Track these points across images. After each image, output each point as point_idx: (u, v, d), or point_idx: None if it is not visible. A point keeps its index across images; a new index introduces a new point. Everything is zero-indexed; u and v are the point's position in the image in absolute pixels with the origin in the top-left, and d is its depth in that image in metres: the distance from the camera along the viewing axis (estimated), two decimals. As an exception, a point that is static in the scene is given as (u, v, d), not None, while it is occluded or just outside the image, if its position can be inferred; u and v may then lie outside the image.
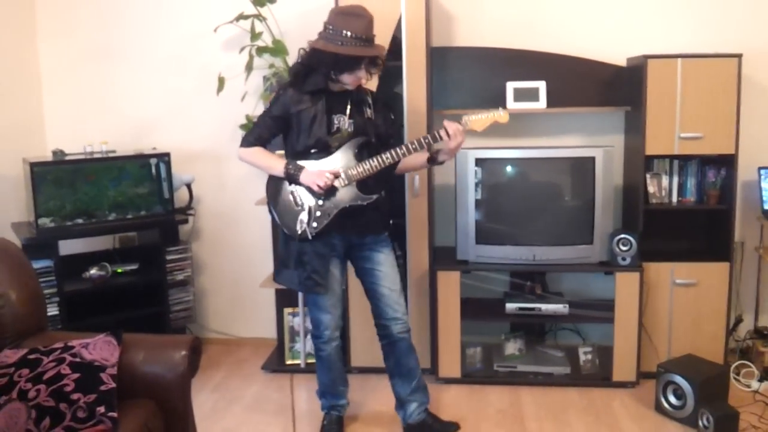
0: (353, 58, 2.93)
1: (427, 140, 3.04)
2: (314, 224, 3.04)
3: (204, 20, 4.33)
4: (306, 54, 3.05)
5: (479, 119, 3.08)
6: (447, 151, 3.11)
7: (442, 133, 3.02)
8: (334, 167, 3.04)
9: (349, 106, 3.10)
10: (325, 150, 3.06)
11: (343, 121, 3.09)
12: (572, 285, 4.25)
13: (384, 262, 3.20)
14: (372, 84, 3.72)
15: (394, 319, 3.23)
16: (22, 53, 4.44)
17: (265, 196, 3.22)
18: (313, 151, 3.06)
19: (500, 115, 3.10)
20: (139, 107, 4.56)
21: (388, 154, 3.02)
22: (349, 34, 2.91)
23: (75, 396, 2.39)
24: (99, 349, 2.57)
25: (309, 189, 3.04)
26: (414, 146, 3.03)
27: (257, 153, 3.14)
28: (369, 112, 3.14)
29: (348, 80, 3.03)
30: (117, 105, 4.57)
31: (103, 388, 2.45)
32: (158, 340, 2.78)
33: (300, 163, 3.05)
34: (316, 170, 3.01)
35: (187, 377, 2.65)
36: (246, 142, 3.16)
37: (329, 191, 3.03)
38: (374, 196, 3.07)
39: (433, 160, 3.19)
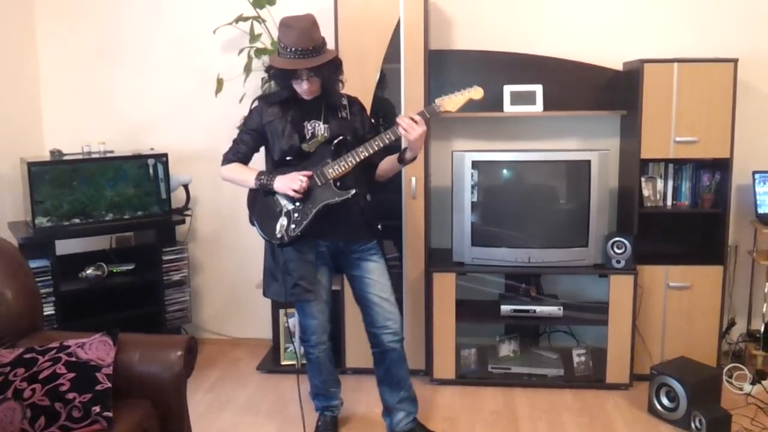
0: (287, 70, 2.94)
1: (388, 135, 2.99)
2: (293, 226, 3.01)
3: (203, 22, 4.34)
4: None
5: (452, 99, 3.02)
6: (409, 145, 3.04)
7: (399, 128, 2.96)
8: (309, 170, 3.03)
9: (323, 112, 3.10)
10: (301, 157, 3.05)
11: (318, 127, 3.08)
12: (567, 287, 4.27)
13: (374, 270, 3.18)
14: (369, 88, 3.77)
15: (385, 327, 3.20)
16: (21, 53, 4.44)
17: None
18: (288, 158, 3.06)
19: (474, 92, 3.04)
20: (137, 108, 4.57)
21: (362, 148, 2.99)
22: (284, 46, 2.92)
23: (70, 395, 2.40)
24: (95, 348, 2.58)
25: (286, 195, 3.02)
26: (377, 144, 2.98)
27: (234, 169, 3.16)
28: (344, 113, 3.13)
29: (299, 89, 3.03)
30: (115, 105, 4.58)
31: (98, 387, 2.46)
32: (154, 340, 2.79)
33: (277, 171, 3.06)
34: (289, 175, 2.99)
35: (183, 377, 2.66)
36: (225, 160, 3.18)
37: (307, 193, 3.00)
38: (352, 191, 3.02)
39: (401, 160, 3.12)
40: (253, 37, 4.08)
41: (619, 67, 4.11)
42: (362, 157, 3.00)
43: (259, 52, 4.08)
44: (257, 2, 4.05)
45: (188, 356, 2.67)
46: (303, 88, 3.00)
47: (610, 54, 4.12)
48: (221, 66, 4.27)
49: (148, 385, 2.62)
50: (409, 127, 2.94)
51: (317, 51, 2.92)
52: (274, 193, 3.05)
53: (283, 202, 3.05)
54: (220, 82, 4.15)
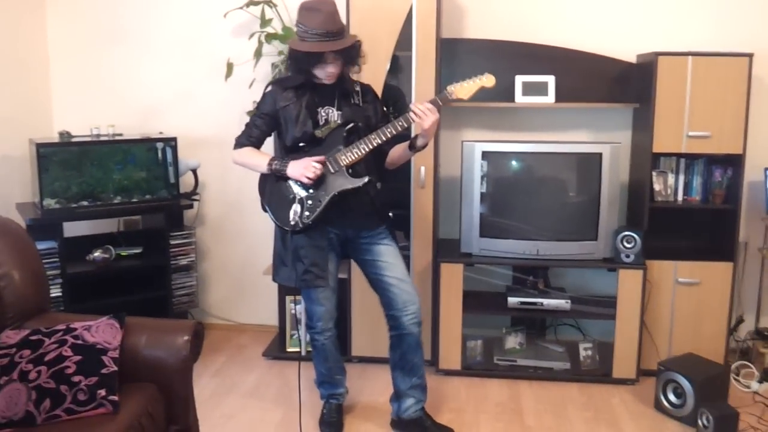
0: (314, 54, 2.92)
1: (401, 122, 2.98)
2: (307, 213, 3.00)
3: (214, 5, 4.33)
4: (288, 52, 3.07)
5: (464, 86, 3.01)
6: (422, 133, 3.03)
7: (412, 114, 2.95)
8: (322, 156, 3.02)
9: (336, 99, 3.09)
10: (314, 143, 3.04)
11: (332, 113, 3.08)
12: (574, 280, 4.25)
13: (386, 252, 3.16)
14: (380, 75, 3.74)
15: (404, 309, 3.15)
16: (30, 35, 4.43)
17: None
18: (301, 144, 3.05)
19: (486, 79, 3.03)
20: (147, 91, 4.56)
21: (374, 135, 2.98)
22: (309, 29, 2.89)
23: (76, 378, 2.40)
24: (101, 331, 2.57)
25: (299, 181, 3.01)
26: (390, 131, 2.97)
27: (246, 153, 3.14)
28: (357, 100, 3.12)
29: (320, 75, 3.01)
30: (125, 88, 4.57)
31: (104, 371, 2.45)
32: (161, 324, 2.78)
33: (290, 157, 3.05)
34: (302, 161, 2.98)
35: (189, 362, 2.65)
36: (238, 144, 3.16)
37: (319, 180, 2.99)
38: (365, 178, 3.02)
39: (413, 147, 3.11)
40: (264, 22, 4.06)
41: (633, 59, 4.07)
42: (375, 144, 2.99)
43: (270, 37, 4.06)
44: (269, -14, 4.03)
45: (195, 341, 2.66)
46: (328, 71, 2.98)
47: (623, 46, 4.08)
48: (231, 51, 4.25)
49: (154, 369, 2.62)
50: (422, 114, 2.93)
51: (341, 34, 2.93)
52: (286, 179, 3.04)
53: (296, 188, 3.03)
54: (230, 67, 4.13)
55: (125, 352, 2.58)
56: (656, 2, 4.10)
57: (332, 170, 3.00)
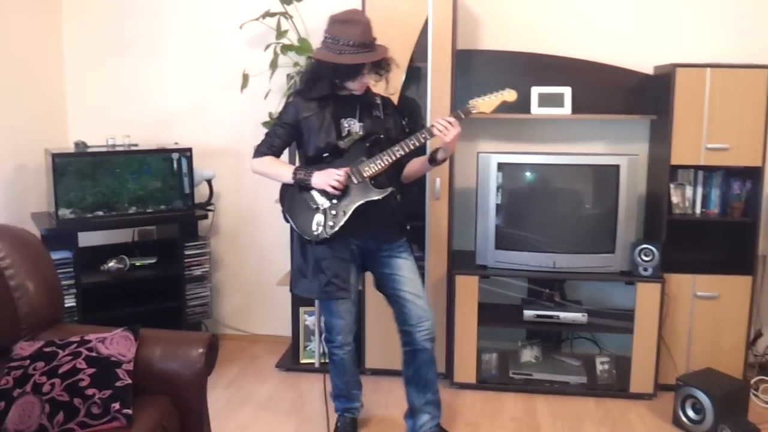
0: (353, 66, 2.92)
1: (424, 135, 2.99)
2: (330, 224, 3.00)
3: (230, 17, 4.34)
4: (310, 64, 3.08)
5: (486, 101, 3.02)
6: (443, 146, 3.03)
7: (433, 129, 2.95)
8: (346, 168, 3.01)
9: (358, 110, 3.09)
10: (336, 154, 3.04)
11: (353, 125, 3.08)
12: (591, 293, 4.20)
13: (404, 266, 3.15)
14: (395, 87, 3.72)
15: (418, 325, 3.13)
16: (47, 44, 4.44)
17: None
18: (325, 155, 3.05)
19: (507, 94, 3.05)
20: (162, 101, 4.56)
21: (398, 147, 2.99)
22: (346, 42, 2.89)
23: (90, 391, 2.38)
24: (116, 344, 2.56)
25: (323, 191, 3.01)
26: (413, 143, 2.98)
27: (268, 162, 3.13)
28: (378, 112, 3.13)
29: (353, 87, 3.02)
30: (140, 98, 4.57)
31: (118, 384, 2.44)
32: (176, 336, 2.77)
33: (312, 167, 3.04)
34: (327, 171, 2.98)
35: (204, 375, 2.63)
36: (258, 153, 3.15)
37: (343, 190, 2.99)
38: (389, 189, 3.02)
39: (433, 160, 3.11)
40: (280, 34, 4.05)
41: (650, 71, 4.04)
42: (398, 156, 3.00)
43: (286, 48, 4.05)
44: (285, -2, 4.02)
45: (210, 354, 2.64)
46: (362, 82, 3.00)
47: (640, 57, 4.05)
48: (247, 62, 4.25)
49: (168, 382, 2.60)
50: (444, 129, 2.93)
51: (375, 44, 2.96)
52: (309, 188, 3.03)
53: (319, 199, 3.03)
54: (245, 78, 4.12)
55: (139, 365, 2.57)
56: (673, 14, 4.07)
57: (355, 181, 3.00)
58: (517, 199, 3.93)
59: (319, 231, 3.00)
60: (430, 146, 3.14)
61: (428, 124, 3.77)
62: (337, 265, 3.06)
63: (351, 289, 3.14)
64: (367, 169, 3.00)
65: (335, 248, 3.05)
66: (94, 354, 2.50)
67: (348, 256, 3.10)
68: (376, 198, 3.00)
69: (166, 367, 2.60)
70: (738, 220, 3.86)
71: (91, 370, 2.44)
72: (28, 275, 2.72)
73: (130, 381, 2.47)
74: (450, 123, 2.94)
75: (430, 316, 3.16)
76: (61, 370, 2.43)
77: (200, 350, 2.60)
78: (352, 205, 3.00)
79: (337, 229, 2.99)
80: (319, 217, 3.02)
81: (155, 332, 2.72)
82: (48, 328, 2.75)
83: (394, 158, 3.00)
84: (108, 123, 4.48)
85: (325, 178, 2.96)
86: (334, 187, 2.94)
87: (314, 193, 3.04)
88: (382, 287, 3.23)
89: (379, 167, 3.00)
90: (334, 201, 3.01)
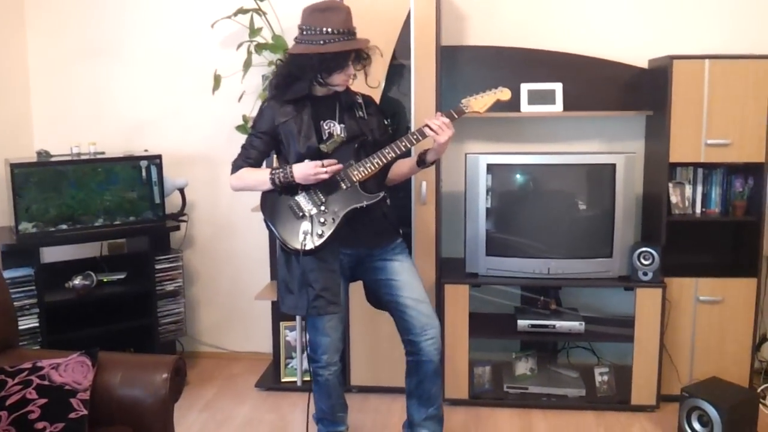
0: (340, 54, 2.73)
1: (415, 136, 2.82)
2: (319, 232, 2.77)
3: (200, 15, 4.15)
4: (286, 63, 2.87)
5: (479, 100, 2.87)
6: (436, 148, 2.86)
7: (426, 129, 2.78)
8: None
9: (337, 111, 2.89)
10: (319, 158, 2.81)
11: (334, 127, 2.87)
12: (588, 300, 4.03)
13: (400, 270, 2.93)
14: (376, 79, 3.53)
15: (423, 333, 2.91)
16: (9, 50, 4.24)
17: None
18: (307, 161, 2.82)
19: (501, 93, 2.90)
20: (130, 107, 4.36)
21: (388, 149, 2.80)
22: (329, 30, 2.70)
23: (40, 425, 2.16)
24: (71, 370, 2.33)
25: (309, 195, 2.79)
26: (404, 144, 2.80)
27: (243, 173, 2.89)
28: (361, 113, 2.93)
29: (338, 80, 2.81)
30: (108, 105, 4.37)
31: (72, 415, 2.21)
32: (137, 360, 2.55)
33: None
34: (309, 162, 2.75)
35: (169, 402, 2.41)
36: (235, 167, 2.92)
37: (332, 196, 2.79)
38: (381, 193, 2.83)
39: (422, 162, 2.94)
40: (253, 32, 3.85)
41: (645, 64, 3.89)
42: (389, 159, 2.81)
43: (260, 47, 3.85)
44: (258, -6, 3.82)
45: (175, 379, 2.42)
46: (347, 74, 2.80)
47: (634, 50, 3.91)
48: (219, 63, 4.06)
49: (130, 411, 2.38)
50: (439, 129, 2.76)
51: (356, 33, 2.79)
52: (293, 193, 2.80)
53: (306, 205, 2.80)
54: (217, 80, 3.92)
55: (98, 393, 2.35)
56: (667, 3, 3.92)
57: (344, 186, 2.80)
58: (508, 202, 3.78)
59: (306, 241, 2.77)
60: (416, 147, 2.94)
61: (412, 126, 3.60)
62: (325, 277, 2.82)
63: (341, 303, 2.92)
64: (356, 173, 2.80)
65: (324, 259, 2.82)
66: (46, 382, 2.28)
67: (337, 267, 2.87)
68: (367, 203, 2.81)
69: (128, 394, 2.39)
70: (741, 220, 3.72)
71: (42, 401, 2.22)
72: (-24, 297, 2.49)
73: (85, 412, 2.25)
74: (444, 124, 2.77)
75: (435, 323, 2.94)
76: (8, 402, 2.21)
77: (164, 375, 2.38)
78: (342, 211, 2.79)
79: (326, 238, 2.77)
80: (305, 226, 2.78)
81: (115, 356, 2.50)
82: (-1, 353, 2.51)
83: (385, 161, 2.81)
84: (75, 131, 4.27)
85: (312, 169, 2.73)
86: (322, 175, 2.71)
87: (299, 199, 2.81)
88: (378, 297, 3.01)
89: (370, 170, 2.81)
90: (323, 207, 2.79)
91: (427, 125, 2.78)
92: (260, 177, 2.84)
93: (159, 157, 3.97)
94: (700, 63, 3.53)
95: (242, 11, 3.86)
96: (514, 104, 3.76)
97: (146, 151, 4.11)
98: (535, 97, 3.82)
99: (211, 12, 4.04)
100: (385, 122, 3.09)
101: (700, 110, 3.55)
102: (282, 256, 2.93)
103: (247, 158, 2.90)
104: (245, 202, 4.06)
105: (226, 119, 4.10)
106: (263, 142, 2.90)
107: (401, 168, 3.01)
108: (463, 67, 3.94)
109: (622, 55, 3.90)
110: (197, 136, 4.31)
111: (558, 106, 3.82)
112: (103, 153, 4.00)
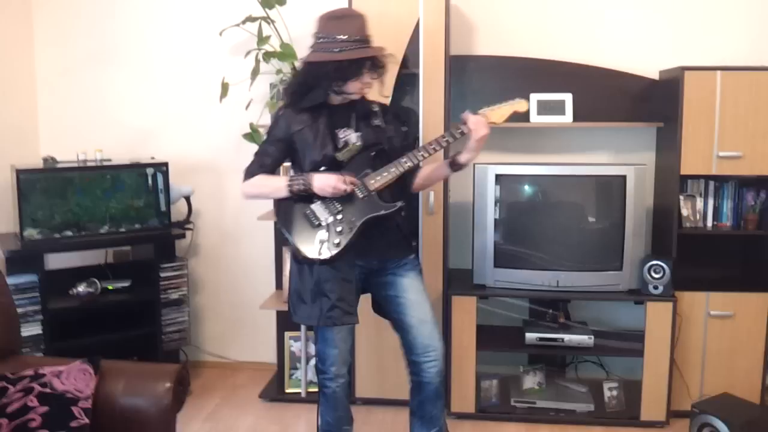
0: (355, 62, 2.69)
1: (446, 139, 2.77)
2: (336, 240, 2.72)
3: (208, 23, 4.14)
4: (301, 71, 2.84)
5: (496, 110, 2.81)
6: (471, 147, 2.79)
7: (464, 127, 2.74)
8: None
9: (354, 119, 2.84)
10: (335, 167, 2.77)
11: (350, 135, 2.82)
12: (597, 314, 3.97)
13: (409, 288, 2.87)
14: (388, 89, 3.50)
15: (425, 354, 2.85)
16: (17, 57, 4.23)
17: (272, 211, 2.93)
18: (322, 169, 2.78)
19: (519, 104, 2.85)
20: (137, 114, 4.34)
21: (406, 158, 2.75)
22: (345, 37, 2.67)
23: (40, 434, 2.11)
24: (73, 378, 2.29)
25: (325, 204, 2.74)
26: (433, 147, 2.76)
27: (258, 180, 2.84)
28: (378, 121, 2.88)
29: (354, 88, 2.77)
30: (115, 112, 4.35)
31: (73, 424, 2.17)
32: (141, 368, 2.51)
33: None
34: (330, 174, 2.71)
35: (172, 412, 2.36)
36: (248, 175, 2.87)
37: (348, 205, 2.74)
38: (399, 203, 2.78)
39: (455, 164, 2.86)
40: (262, 39, 3.82)
41: (656, 75, 3.85)
42: (406, 168, 2.76)
43: (268, 55, 3.82)
44: (266, 2, 3.79)
45: (178, 388, 2.38)
46: (363, 81, 2.76)
47: (645, 61, 3.88)
48: (227, 70, 4.03)
49: (132, 420, 2.33)
50: (476, 125, 2.71)
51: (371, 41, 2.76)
52: (309, 202, 2.76)
53: (322, 214, 2.75)
54: (225, 87, 3.89)
55: (100, 401, 2.30)
56: (679, 14, 3.89)
57: (361, 195, 2.75)
58: (517, 213, 3.74)
59: (322, 249, 2.73)
60: (432, 158, 2.89)
61: (421, 135, 3.57)
62: (341, 287, 2.77)
63: (356, 313, 2.86)
64: (373, 181, 2.75)
65: (339, 269, 2.76)
66: (47, 390, 2.24)
67: (352, 278, 2.82)
68: (384, 213, 2.76)
69: (130, 403, 2.34)
70: (752, 233, 3.67)
71: (43, 409, 2.18)
72: (-21, 302, 2.46)
73: (86, 420, 2.20)
74: (479, 120, 2.73)
75: (437, 344, 2.87)
76: (9, 409, 2.17)
77: (167, 384, 2.34)
78: (359, 220, 2.73)
79: (343, 247, 2.72)
80: (322, 234, 2.74)
81: (118, 364, 2.46)
82: (1, 360, 2.46)
83: (402, 170, 2.76)
84: (82, 138, 4.24)
85: (332, 181, 2.69)
86: (342, 189, 2.68)
87: (316, 207, 2.76)
88: (385, 312, 2.96)
89: (387, 180, 2.76)
90: (339, 216, 2.74)
91: (465, 122, 2.73)
92: (277, 184, 2.80)
93: (165, 164, 3.95)
94: (712, 74, 3.49)
95: (251, 19, 3.83)
96: (523, 115, 3.71)
97: (152, 158, 4.09)
98: (545, 108, 3.79)
99: (219, 20, 4.01)
100: (402, 128, 3.05)
101: (712, 122, 3.51)
102: (294, 265, 2.88)
103: (261, 165, 2.85)
104: (251, 211, 4.03)
105: (233, 127, 4.07)
106: (278, 150, 2.86)
107: (432, 173, 2.95)
108: (472, 76, 3.92)
109: (632, 65, 3.87)
110: (204, 144, 4.29)
111: (568, 117, 3.79)
112: (109, 160, 3.98)
